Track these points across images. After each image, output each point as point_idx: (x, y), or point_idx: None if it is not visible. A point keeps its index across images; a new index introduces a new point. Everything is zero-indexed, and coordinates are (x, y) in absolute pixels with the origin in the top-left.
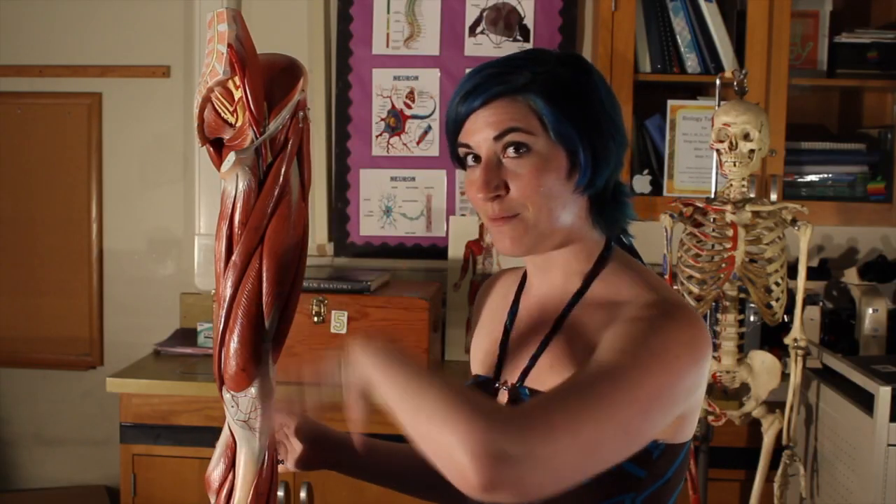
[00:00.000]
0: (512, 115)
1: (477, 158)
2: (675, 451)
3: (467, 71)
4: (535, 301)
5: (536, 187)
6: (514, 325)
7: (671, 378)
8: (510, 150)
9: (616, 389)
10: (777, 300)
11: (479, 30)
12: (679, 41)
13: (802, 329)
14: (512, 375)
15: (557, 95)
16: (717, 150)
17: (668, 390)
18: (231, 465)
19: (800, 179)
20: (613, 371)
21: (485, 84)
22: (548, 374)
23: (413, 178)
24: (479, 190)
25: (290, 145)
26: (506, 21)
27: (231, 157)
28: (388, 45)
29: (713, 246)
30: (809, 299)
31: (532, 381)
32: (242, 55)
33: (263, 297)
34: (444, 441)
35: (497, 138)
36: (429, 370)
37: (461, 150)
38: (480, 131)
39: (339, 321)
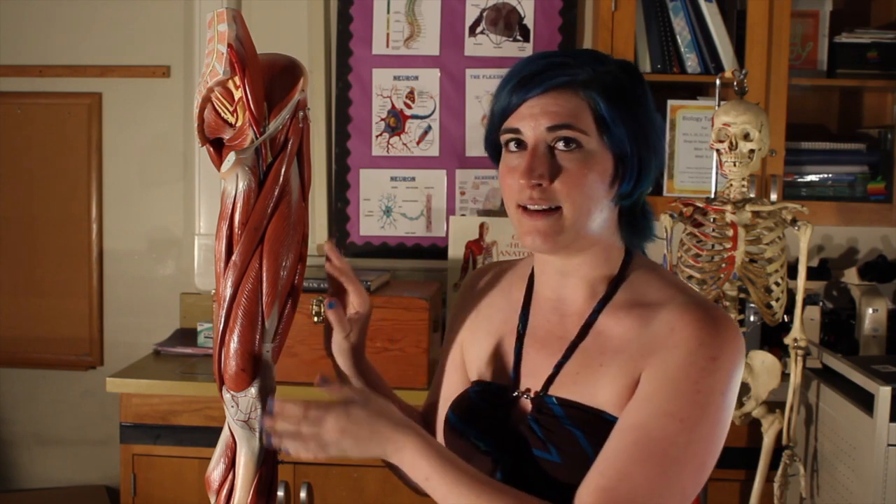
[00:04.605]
0: (570, 110)
1: (519, 145)
2: None
3: (521, 59)
4: (551, 305)
5: (582, 184)
6: (527, 329)
7: (722, 414)
8: (560, 144)
9: (679, 457)
10: (777, 300)
11: (479, 30)
12: (679, 41)
13: (802, 329)
14: (534, 383)
15: (616, 98)
16: (717, 150)
17: (722, 421)
18: (231, 465)
19: (800, 179)
20: (675, 438)
21: (547, 73)
22: (574, 382)
23: (413, 178)
24: (523, 175)
25: (290, 145)
26: (506, 21)
27: (231, 157)
28: (388, 45)
29: (713, 246)
30: (809, 299)
31: (557, 390)
32: (242, 55)
33: (263, 297)
34: None
35: (550, 129)
36: (492, 486)
37: (504, 136)
38: (535, 118)
39: None
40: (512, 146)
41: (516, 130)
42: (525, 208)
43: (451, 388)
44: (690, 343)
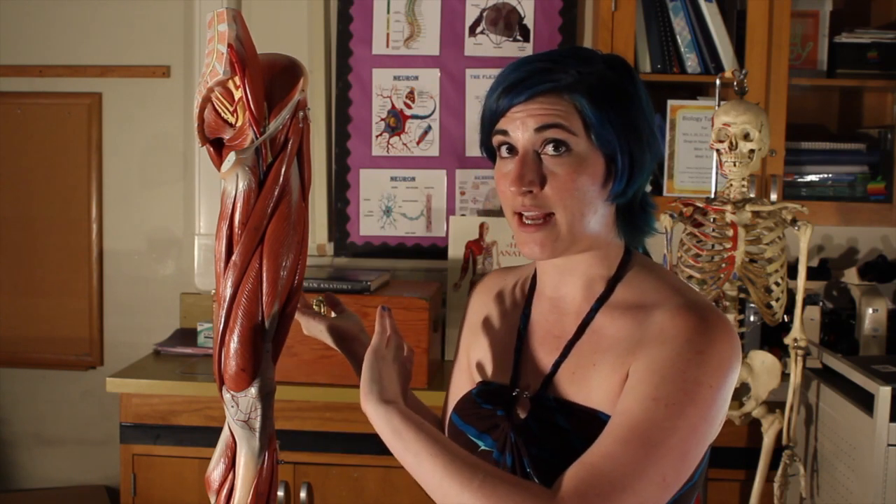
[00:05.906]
0: (556, 112)
1: (511, 150)
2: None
3: (508, 64)
4: (550, 305)
5: (572, 189)
6: (528, 329)
7: (710, 409)
8: (549, 148)
9: (662, 441)
10: (777, 300)
11: (479, 30)
12: (679, 41)
13: (802, 329)
14: (533, 382)
15: (602, 98)
16: (717, 150)
17: (710, 417)
18: (231, 465)
19: (800, 179)
20: (659, 422)
21: (530, 79)
22: (570, 381)
23: (413, 178)
24: (513, 182)
25: (290, 145)
26: (506, 21)
27: (231, 157)
28: (388, 45)
29: (713, 246)
30: (809, 299)
31: (554, 389)
32: (242, 55)
33: (263, 297)
34: None
35: (538, 130)
36: (452, 445)
37: (496, 139)
38: (522, 122)
39: None
40: (504, 151)
41: (504, 132)
42: (521, 218)
43: (457, 390)
44: (678, 340)
